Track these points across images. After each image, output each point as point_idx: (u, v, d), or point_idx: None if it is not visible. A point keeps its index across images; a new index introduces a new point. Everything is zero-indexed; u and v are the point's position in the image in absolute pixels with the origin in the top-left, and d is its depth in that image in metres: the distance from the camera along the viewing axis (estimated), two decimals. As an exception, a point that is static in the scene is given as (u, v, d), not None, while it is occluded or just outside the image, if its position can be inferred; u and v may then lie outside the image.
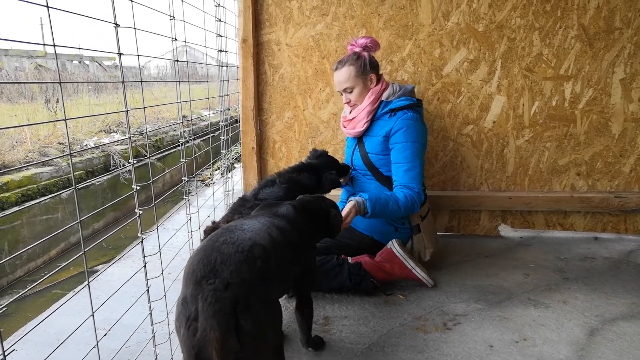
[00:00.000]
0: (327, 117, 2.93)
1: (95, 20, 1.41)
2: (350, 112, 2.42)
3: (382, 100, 2.33)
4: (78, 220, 1.22)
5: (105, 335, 1.65)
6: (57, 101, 7.68)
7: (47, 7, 1.12)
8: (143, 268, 1.56)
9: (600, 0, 2.61)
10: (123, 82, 1.41)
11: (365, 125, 2.35)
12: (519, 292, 2.23)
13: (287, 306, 2.12)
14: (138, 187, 1.51)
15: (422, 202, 2.28)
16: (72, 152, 1.19)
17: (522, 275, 2.42)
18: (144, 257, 1.55)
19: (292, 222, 1.54)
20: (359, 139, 2.43)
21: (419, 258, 2.38)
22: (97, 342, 1.32)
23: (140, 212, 1.52)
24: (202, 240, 1.42)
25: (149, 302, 1.60)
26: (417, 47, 2.77)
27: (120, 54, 1.39)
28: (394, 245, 2.24)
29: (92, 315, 1.30)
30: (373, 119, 2.35)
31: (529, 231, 2.97)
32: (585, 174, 2.84)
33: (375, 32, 2.78)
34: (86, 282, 1.31)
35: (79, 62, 18.52)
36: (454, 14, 2.71)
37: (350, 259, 2.26)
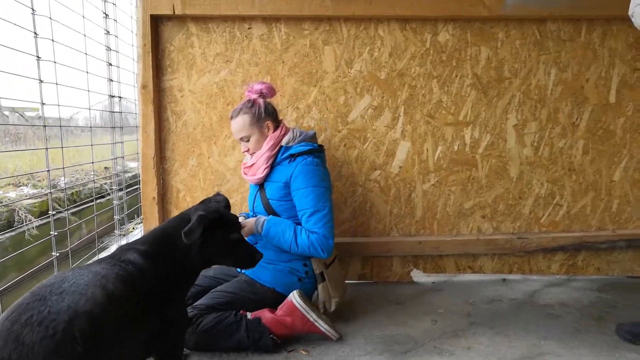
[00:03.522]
0: (234, 164, 2.83)
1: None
2: (250, 159, 2.35)
3: (282, 146, 2.28)
4: None
5: None
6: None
7: None
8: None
9: (489, 52, 2.77)
10: (44, 127, 1.28)
11: (265, 172, 2.28)
12: (425, 340, 2.16)
13: None
14: (56, 233, 1.35)
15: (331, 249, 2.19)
16: None
17: (430, 322, 2.36)
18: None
19: (140, 268, 1.26)
20: (260, 185, 2.34)
21: (324, 309, 2.26)
22: None
23: (57, 254, 1.35)
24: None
25: None
26: (322, 94, 2.78)
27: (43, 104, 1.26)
28: (294, 297, 2.12)
29: None
30: (273, 164, 2.29)
31: (441, 275, 2.96)
32: (489, 217, 2.90)
33: (280, 79, 2.77)
34: None
35: (-3, 112, 17.42)
36: (356, 62, 2.77)
37: (249, 315, 2.10)
